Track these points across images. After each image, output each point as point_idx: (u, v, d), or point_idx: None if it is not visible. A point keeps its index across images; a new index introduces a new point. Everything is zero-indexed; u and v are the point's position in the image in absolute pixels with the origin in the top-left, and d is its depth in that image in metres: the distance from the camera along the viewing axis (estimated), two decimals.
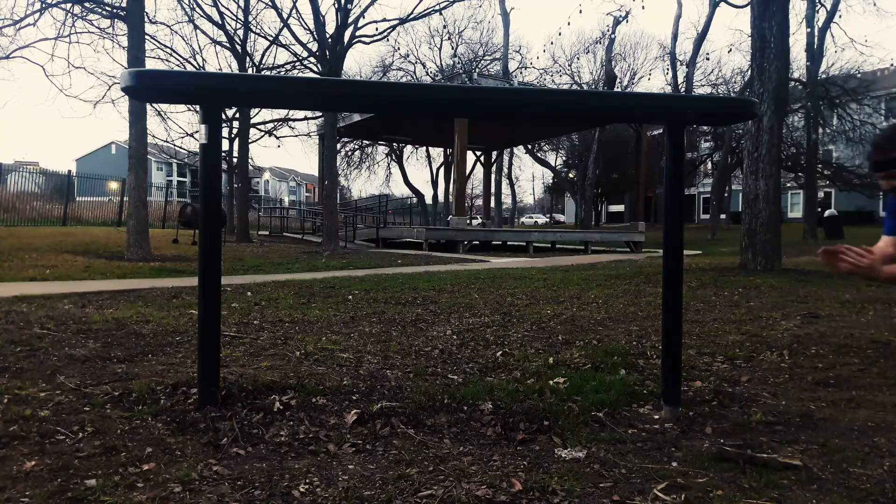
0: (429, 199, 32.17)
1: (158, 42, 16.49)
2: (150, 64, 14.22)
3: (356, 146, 28.88)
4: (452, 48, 29.24)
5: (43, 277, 5.87)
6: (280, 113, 20.28)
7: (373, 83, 2.50)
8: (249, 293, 4.92)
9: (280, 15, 14.66)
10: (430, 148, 30.30)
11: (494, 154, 25.23)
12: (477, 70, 26.35)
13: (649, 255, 13.29)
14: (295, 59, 16.40)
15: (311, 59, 15.55)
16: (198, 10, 15.65)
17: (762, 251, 6.97)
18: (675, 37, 28.38)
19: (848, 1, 40.52)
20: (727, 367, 2.63)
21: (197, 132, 2.00)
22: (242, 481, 1.45)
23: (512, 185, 41.07)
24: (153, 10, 26.45)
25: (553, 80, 28.48)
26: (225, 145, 18.76)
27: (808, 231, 18.83)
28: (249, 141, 18.33)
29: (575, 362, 2.65)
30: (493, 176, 25.87)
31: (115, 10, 10.86)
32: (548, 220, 54.32)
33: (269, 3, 15.26)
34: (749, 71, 12.18)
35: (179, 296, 4.61)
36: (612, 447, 1.72)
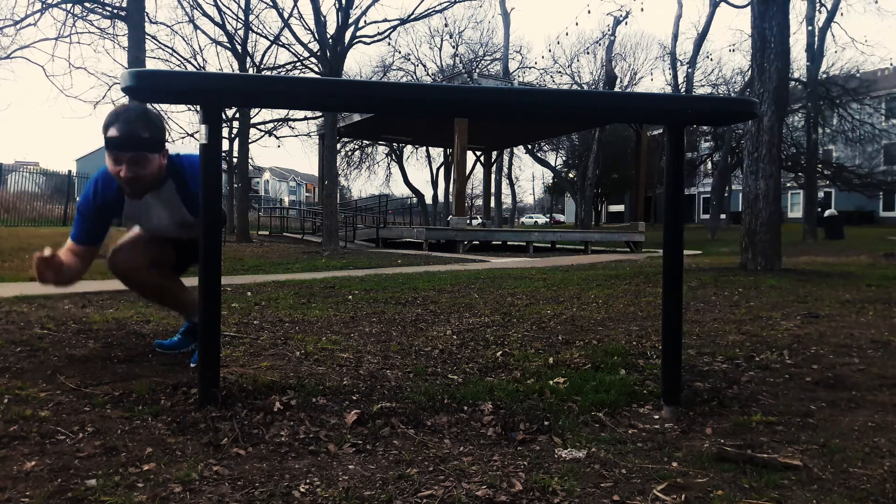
0: (429, 199, 32.19)
1: (159, 42, 16.51)
2: (151, 64, 14.22)
3: (356, 146, 28.89)
4: (453, 48, 29.25)
5: None
6: (280, 113, 20.30)
7: (373, 83, 2.50)
8: (249, 293, 4.92)
9: (281, 15, 14.67)
10: (430, 148, 30.30)
11: (494, 154, 25.23)
12: (477, 70, 26.36)
13: (649, 255, 13.28)
14: (295, 59, 16.42)
15: (312, 60, 15.57)
16: (198, 10, 15.66)
17: (762, 251, 6.96)
18: (675, 37, 28.40)
19: (848, 0, 40.47)
20: (727, 367, 2.63)
21: (197, 132, 1.99)
22: (243, 481, 1.45)
23: (512, 185, 41.11)
24: (153, 10, 26.47)
25: (553, 81, 28.48)
26: (225, 145, 18.76)
27: (808, 231, 18.83)
28: (249, 141, 18.34)
29: (575, 362, 2.65)
30: (493, 176, 25.86)
31: (115, 11, 10.88)
32: (548, 220, 54.33)
33: (270, 4, 15.29)
34: (749, 71, 12.18)
35: None
36: (612, 447, 1.72)
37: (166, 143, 2.36)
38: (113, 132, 2.20)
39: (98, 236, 2.48)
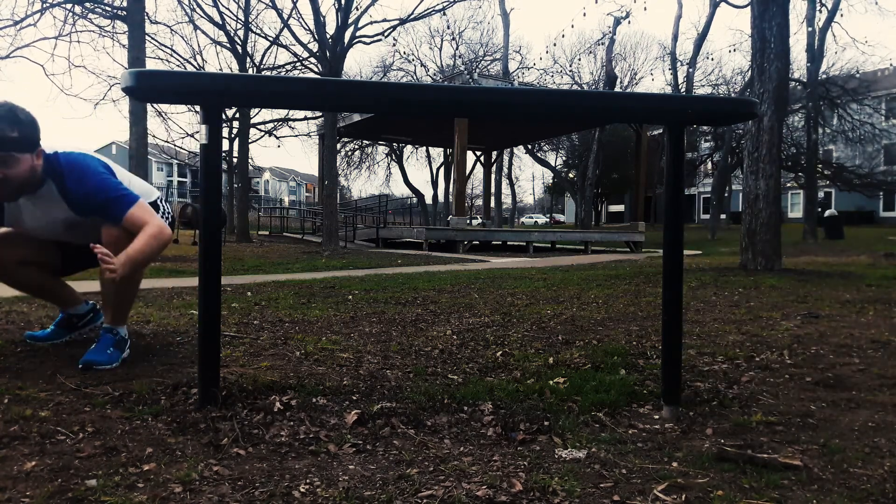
0: (429, 199, 32.21)
1: (159, 42, 16.52)
2: (151, 64, 14.23)
3: (356, 146, 28.92)
4: (453, 49, 29.27)
5: None
6: (280, 113, 20.31)
7: (374, 83, 2.51)
8: (249, 293, 4.92)
9: (280, 15, 14.69)
10: (430, 148, 30.31)
11: (494, 154, 25.23)
12: (477, 70, 26.38)
13: (649, 255, 13.29)
14: (295, 59, 16.44)
15: (312, 60, 15.58)
16: (198, 10, 15.67)
17: (762, 251, 6.97)
18: (675, 37, 28.41)
19: (849, 0, 40.48)
20: (727, 367, 2.63)
21: (197, 132, 1.99)
22: (243, 481, 1.45)
23: (512, 185, 41.15)
24: (153, 10, 26.46)
25: (553, 81, 28.50)
26: (225, 145, 18.76)
27: (808, 231, 18.83)
28: (249, 141, 18.34)
29: (575, 362, 2.65)
30: (493, 176, 25.87)
31: (115, 10, 10.88)
32: (548, 220, 54.35)
33: (270, 4, 15.33)
34: (749, 71, 12.18)
35: (179, 296, 4.61)
36: (612, 447, 1.72)
37: (40, 143, 2.23)
38: None
39: None
